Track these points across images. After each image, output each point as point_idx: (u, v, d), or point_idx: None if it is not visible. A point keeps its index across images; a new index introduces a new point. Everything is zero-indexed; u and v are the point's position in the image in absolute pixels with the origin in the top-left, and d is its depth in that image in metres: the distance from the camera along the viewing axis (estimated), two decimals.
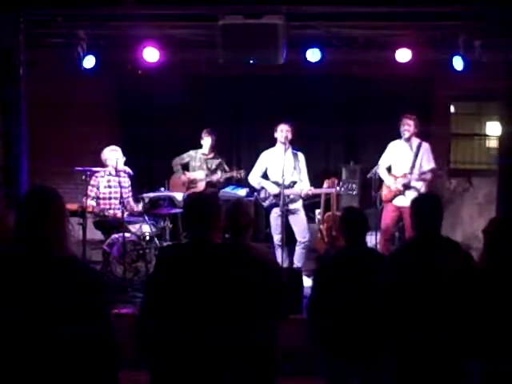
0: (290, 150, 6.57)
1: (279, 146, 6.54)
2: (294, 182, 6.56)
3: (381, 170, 6.48)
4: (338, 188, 6.60)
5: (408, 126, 6.33)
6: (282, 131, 6.46)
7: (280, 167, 6.34)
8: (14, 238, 2.31)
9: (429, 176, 6.40)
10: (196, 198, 3.00)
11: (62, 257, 2.28)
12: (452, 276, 3.15)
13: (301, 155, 6.69)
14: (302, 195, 6.54)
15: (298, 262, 6.65)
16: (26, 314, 2.18)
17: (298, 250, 6.65)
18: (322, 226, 7.20)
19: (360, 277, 3.45)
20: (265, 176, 6.72)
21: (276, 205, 6.52)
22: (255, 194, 6.76)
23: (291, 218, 6.61)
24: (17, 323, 2.18)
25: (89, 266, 2.54)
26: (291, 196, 6.53)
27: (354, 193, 6.86)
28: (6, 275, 2.23)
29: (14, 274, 2.23)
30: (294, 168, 6.62)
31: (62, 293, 2.21)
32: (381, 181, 6.57)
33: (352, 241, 3.61)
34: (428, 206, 3.32)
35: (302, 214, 6.70)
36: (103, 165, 6.40)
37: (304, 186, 6.60)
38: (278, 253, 6.55)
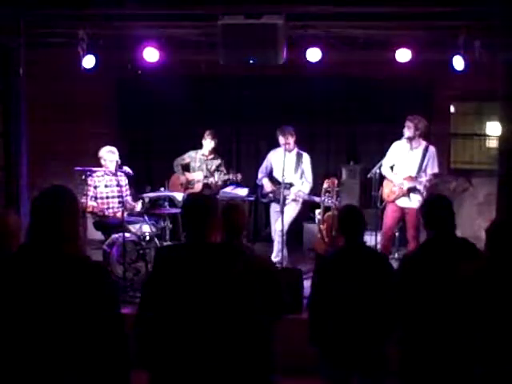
0: (294, 151, 6.84)
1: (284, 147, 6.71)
2: (291, 185, 6.75)
3: (384, 169, 6.47)
4: (322, 198, 6.60)
5: (407, 128, 6.31)
6: (282, 138, 6.71)
7: (281, 167, 6.50)
8: (24, 236, 2.34)
9: (433, 181, 6.38)
10: (194, 199, 3.00)
11: (75, 255, 2.30)
12: (470, 278, 3.15)
13: (305, 156, 6.89)
14: (294, 197, 6.76)
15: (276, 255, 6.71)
16: (37, 313, 2.19)
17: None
18: (321, 226, 7.18)
19: (359, 276, 3.45)
20: (271, 174, 6.98)
21: (274, 201, 6.81)
22: (258, 189, 7.03)
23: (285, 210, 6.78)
24: (28, 321, 2.19)
25: (101, 266, 2.55)
26: (288, 197, 6.71)
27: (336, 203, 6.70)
28: (19, 272, 2.24)
29: (27, 271, 2.23)
30: (296, 169, 6.79)
31: (74, 291, 2.21)
32: (381, 181, 6.55)
33: (350, 239, 3.60)
34: (444, 207, 3.36)
35: (292, 205, 6.80)
36: (99, 163, 6.39)
37: (301, 188, 6.82)
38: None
